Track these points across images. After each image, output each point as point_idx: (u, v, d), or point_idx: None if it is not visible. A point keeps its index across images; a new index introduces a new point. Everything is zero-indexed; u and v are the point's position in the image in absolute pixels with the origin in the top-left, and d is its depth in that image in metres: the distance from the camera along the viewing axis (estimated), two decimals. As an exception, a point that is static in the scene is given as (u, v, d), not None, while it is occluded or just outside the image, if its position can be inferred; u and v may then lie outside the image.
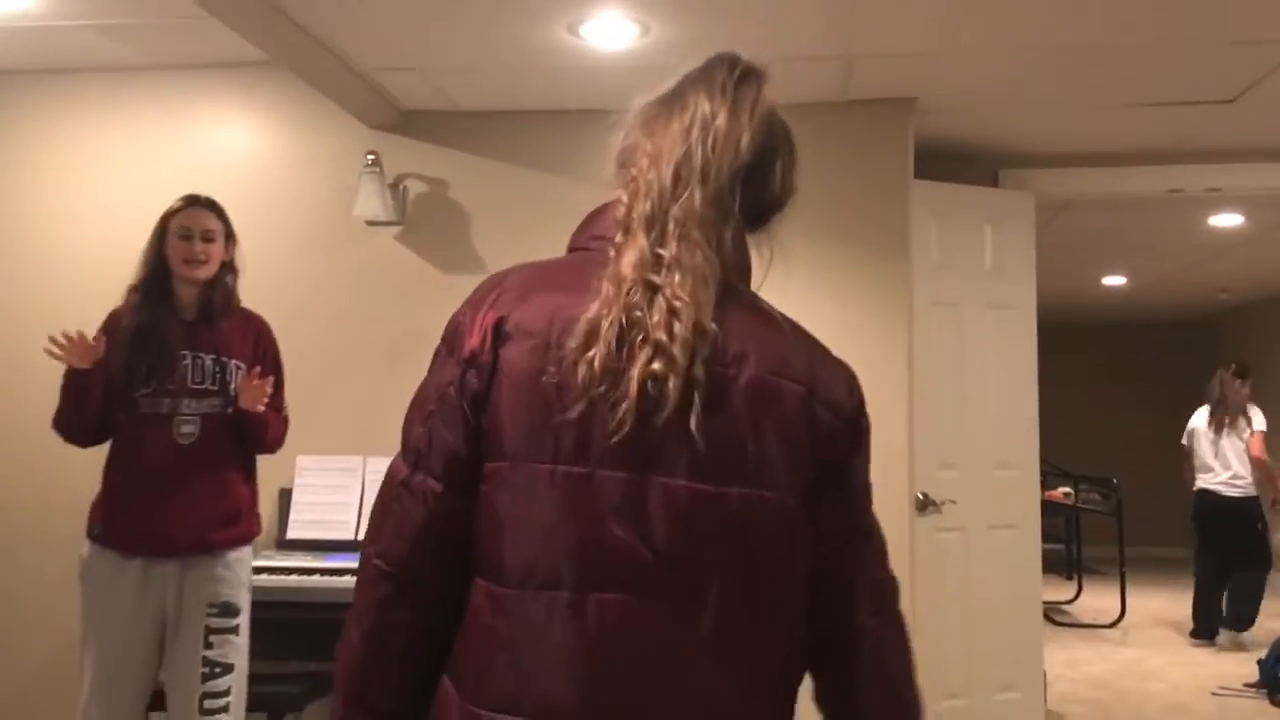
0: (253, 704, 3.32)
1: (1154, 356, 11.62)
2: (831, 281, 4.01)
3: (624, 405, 1.20)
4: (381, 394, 4.11)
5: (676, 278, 1.24)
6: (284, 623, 3.61)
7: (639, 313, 1.22)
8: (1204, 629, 6.99)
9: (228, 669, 3.00)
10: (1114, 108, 4.17)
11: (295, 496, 3.92)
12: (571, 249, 1.41)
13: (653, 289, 1.24)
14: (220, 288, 3.15)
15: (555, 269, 1.36)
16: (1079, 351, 11.30)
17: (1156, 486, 10.08)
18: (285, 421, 3.26)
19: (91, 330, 3.06)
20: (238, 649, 3.03)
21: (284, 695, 3.43)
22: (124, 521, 3.00)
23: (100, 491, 3.06)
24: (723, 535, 1.22)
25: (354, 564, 3.67)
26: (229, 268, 3.19)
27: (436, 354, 1.34)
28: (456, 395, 1.27)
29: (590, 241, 1.36)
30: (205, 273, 3.11)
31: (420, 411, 1.31)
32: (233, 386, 3.09)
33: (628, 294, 1.23)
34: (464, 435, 1.27)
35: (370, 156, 4.00)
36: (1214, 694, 5.72)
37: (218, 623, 3.00)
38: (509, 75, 3.85)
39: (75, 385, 2.98)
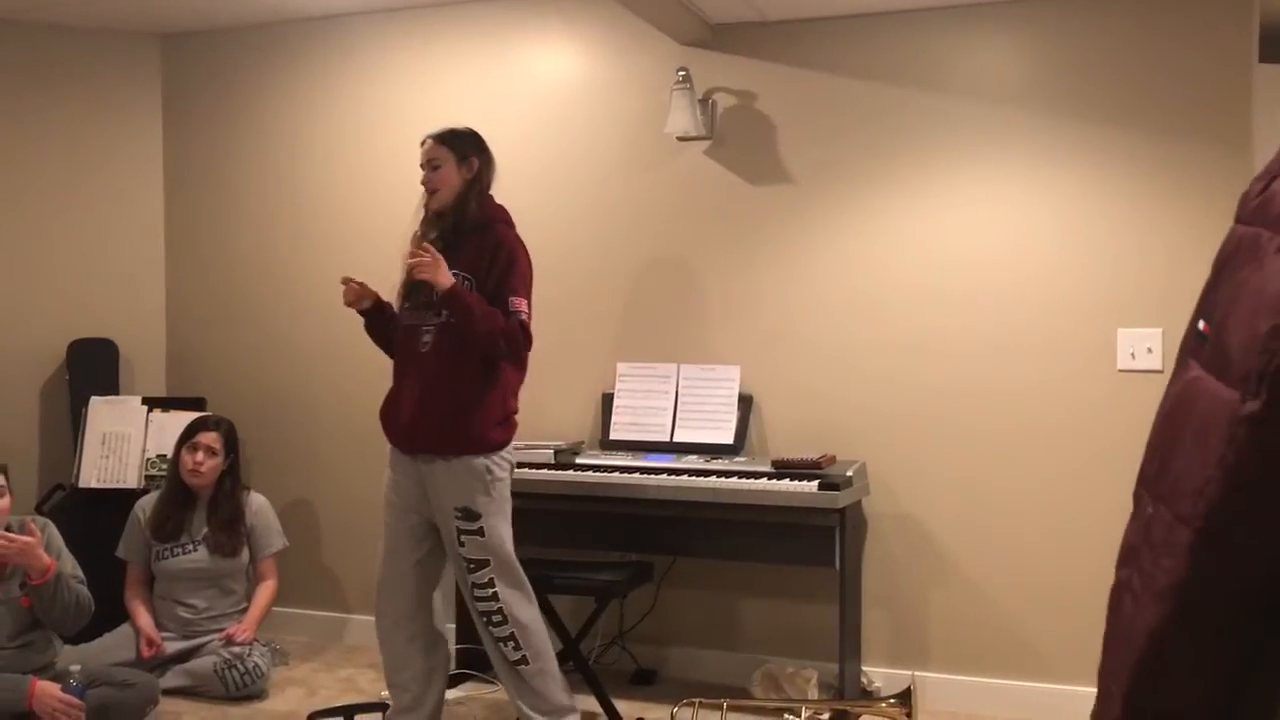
0: (581, 589, 3.64)
1: None
2: (1159, 177, 3.76)
3: None
4: (693, 305, 4.27)
5: None
6: (608, 517, 3.89)
7: None
8: None
9: (483, 563, 3.28)
10: None
11: (616, 401, 4.17)
12: None
13: None
14: (460, 209, 3.35)
15: None
16: None
17: None
18: (515, 325, 3.23)
19: None
20: (485, 547, 3.26)
21: (609, 582, 3.70)
22: (388, 421, 3.40)
23: None
24: None
25: (669, 463, 3.94)
26: (469, 186, 3.36)
27: None
28: None
29: None
30: (437, 201, 3.36)
31: None
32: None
33: None
34: None
35: (681, 73, 4.11)
36: None
37: (462, 525, 3.26)
38: (815, -17, 3.83)
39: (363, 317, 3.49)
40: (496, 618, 3.28)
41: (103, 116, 4.97)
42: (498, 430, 3.30)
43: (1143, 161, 3.78)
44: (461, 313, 3.19)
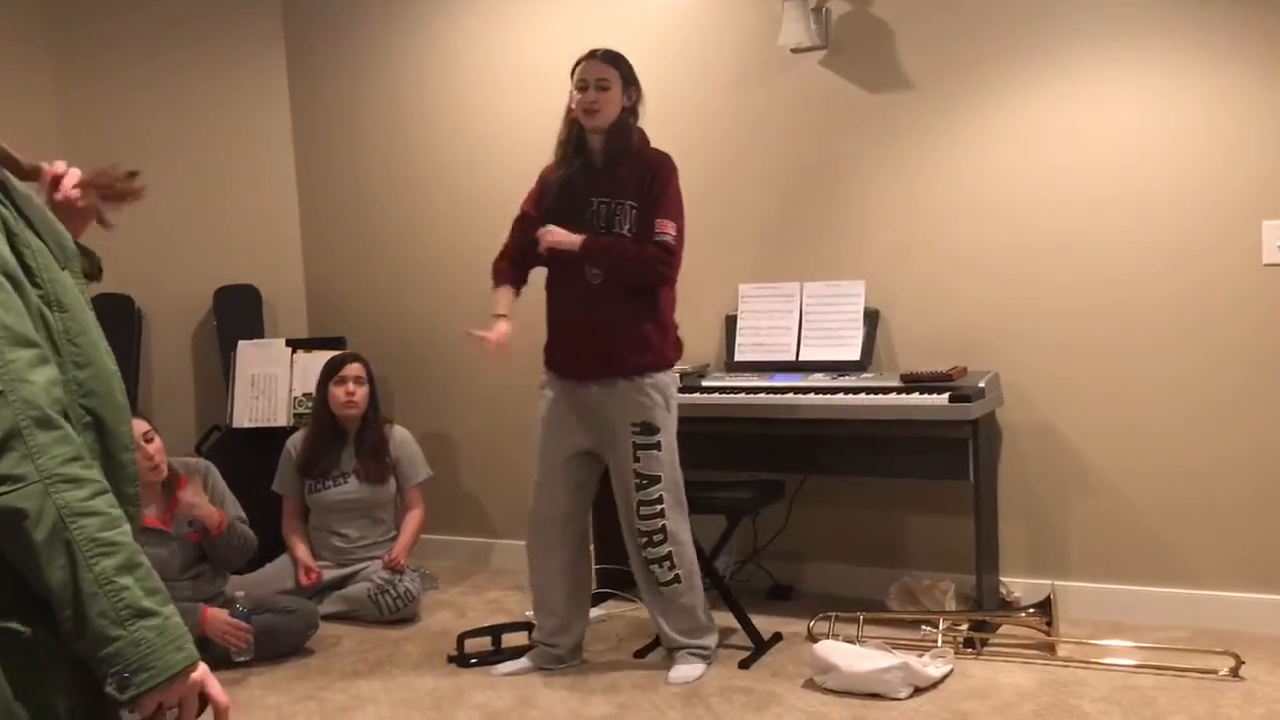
0: (711, 507, 3.68)
1: None
2: (1213, 44, 3.54)
3: None
4: (813, 221, 4.22)
5: None
6: (735, 436, 3.92)
7: None
8: None
9: (654, 479, 3.35)
10: None
11: (739, 322, 4.17)
12: None
13: None
14: (620, 133, 3.33)
15: None
16: None
17: None
18: (662, 248, 3.29)
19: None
20: (660, 462, 3.35)
21: (739, 500, 3.74)
22: (555, 351, 3.46)
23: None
24: None
25: (795, 382, 3.93)
26: (629, 113, 3.35)
27: None
28: None
29: None
30: (600, 121, 3.31)
31: None
32: (627, 228, 3.31)
33: None
34: None
35: (791, -17, 4.02)
36: None
37: (640, 439, 3.34)
38: (927, -122, 3.68)
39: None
40: (658, 537, 3.36)
41: (231, 73, 5.13)
42: (673, 350, 3.44)
43: (1186, 30, 3.58)
44: (605, 261, 3.28)
